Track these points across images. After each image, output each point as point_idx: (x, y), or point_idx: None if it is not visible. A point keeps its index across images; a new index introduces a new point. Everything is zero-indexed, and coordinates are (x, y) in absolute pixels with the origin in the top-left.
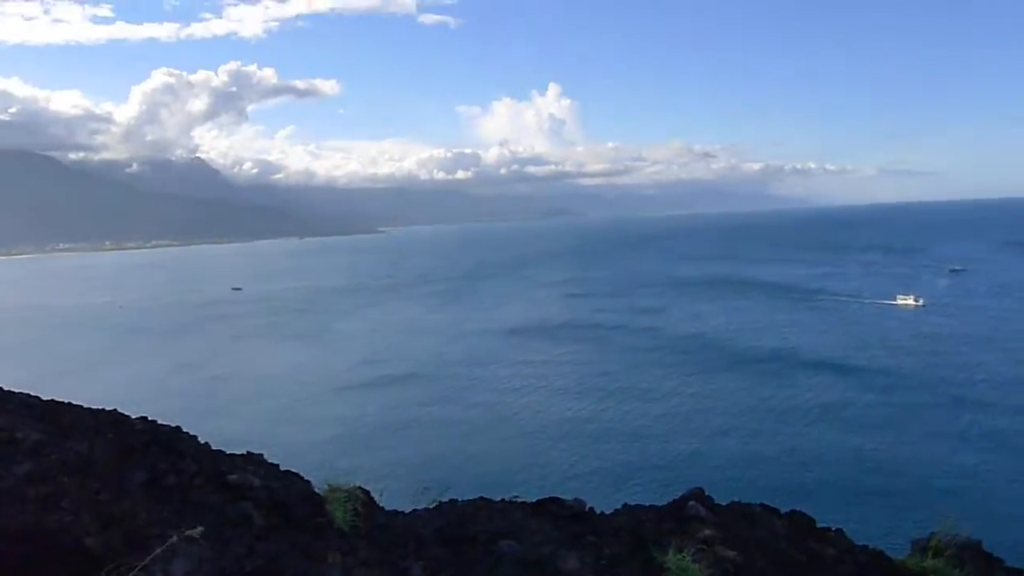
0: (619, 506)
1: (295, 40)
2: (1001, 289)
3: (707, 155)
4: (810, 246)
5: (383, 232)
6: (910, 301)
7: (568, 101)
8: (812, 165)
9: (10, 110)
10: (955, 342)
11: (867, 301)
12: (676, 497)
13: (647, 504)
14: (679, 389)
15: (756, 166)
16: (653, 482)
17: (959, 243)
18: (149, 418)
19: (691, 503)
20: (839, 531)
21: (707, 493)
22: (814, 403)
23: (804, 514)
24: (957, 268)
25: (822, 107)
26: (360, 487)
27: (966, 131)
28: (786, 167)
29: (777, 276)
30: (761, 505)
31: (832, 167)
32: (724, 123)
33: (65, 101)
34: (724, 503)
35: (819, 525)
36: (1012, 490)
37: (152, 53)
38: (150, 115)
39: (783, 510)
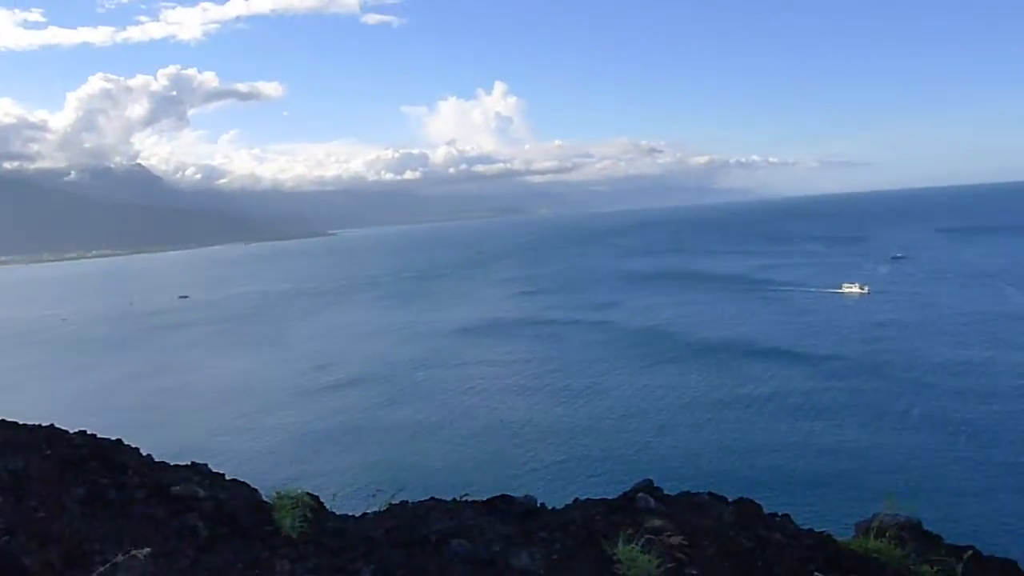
0: (570, 501)
1: (236, 42)
2: (940, 274)
3: (653, 150)
4: (756, 237)
5: (332, 235)
6: (855, 289)
7: (514, 99)
8: (756, 158)
9: None
10: (899, 327)
11: (813, 290)
12: (626, 490)
13: (597, 498)
14: (630, 383)
15: (702, 160)
16: (604, 476)
17: (898, 231)
18: (88, 432)
19: (640, 495)
20: (786, 516)
21: (656, 485)
22: (763, 392)
23: (752, 501)
24: (898, 255)
25: (765, 102)
26: (309, 493)
27: (902, 124)
28: (731, 160)
29: (725, 268)
30: (709, 494)
31: (775, 160)
32: (670, 118)
33: None
34: (673, 494)
35: (766, 511)
36: (950, 470)
37: (87, 58)
38: (87, 122)
39: (731, 498)
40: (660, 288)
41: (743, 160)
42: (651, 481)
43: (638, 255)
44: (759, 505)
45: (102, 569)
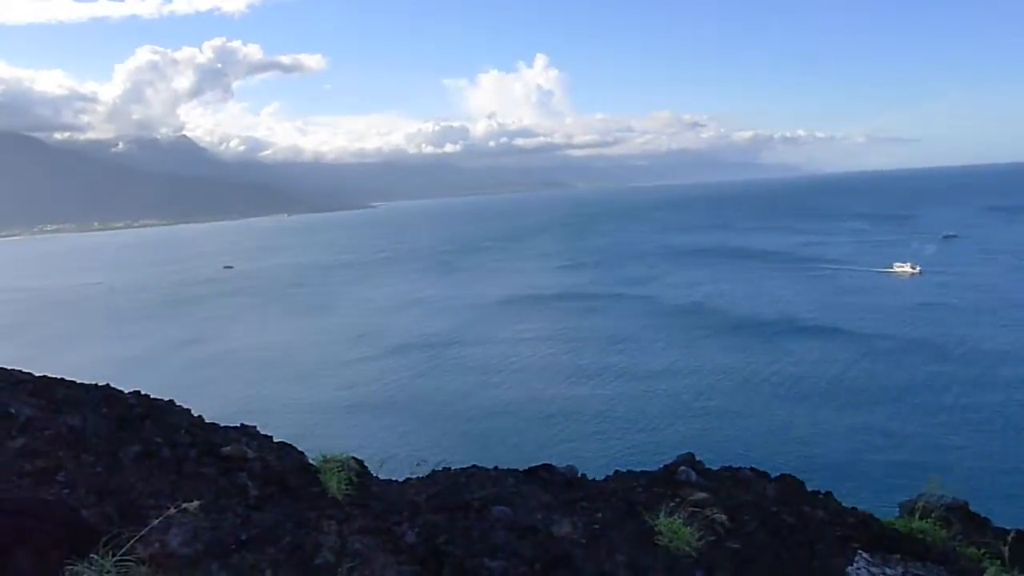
0: (611, 472)
1: (279, 14)
2: (993, 254)
3: (696, 124)
4: (802, 214)
5: (373, 207)
6: (907, 268)
7: (555, 72)
8: (802, 133)
9: None
10: (953, 310)
11: (863, 269)
12: (667, 463)
13: (639, 470)
14: (671, 357)
15: (746, 135)
16: (645, 449)
17: (948, 209)
18: (142, 392)
19: (682, 468)
20: (828, 494)
21: (698, 459)
22: (809, 371)
23: (794, 478)
24: (950, 234)
25: (810, 75)
26: (354, 457)
27: (955, 99)
28: (775, 135)
29: (770, 244)
30: (751, 469)
31: (821, 135)
32: (713, 92)
33: (50, 81)
34: (715, 468)
35: (809, 489)
36: (999, 455)
37: (135, 30)
38: (135, 93)
39: (773, 474)
40: (702, 264)
41: (788, 135)
42: (693, 455)
43: (679, 231)
44: (801, 482)
45: (155, 522)
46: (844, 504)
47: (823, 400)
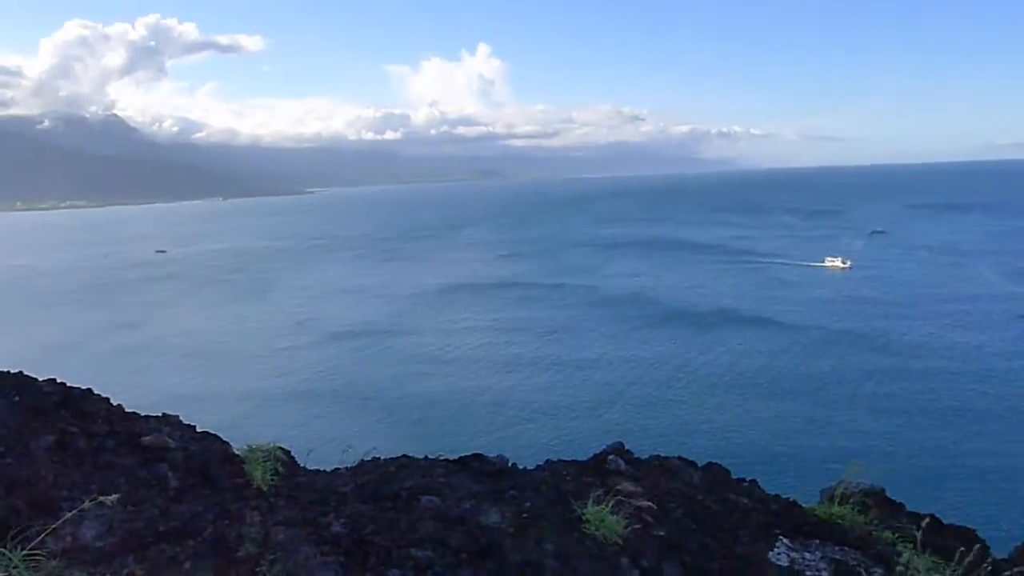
0: (541, 462)
1: None
2: (918, 250)
3: (636, 118)
4: (737, 208)
5: (311, 193)
6: (837, 263)
7: (498, 62)
8: (738, 129)
9: None
10: (879, 303)
11: (796, 263)
12: (597, 452)
13: (569, 459)
14: (606, 348)
15: (684, 129)
16: (576, 439)
17: (875, 206)
18: (58, 380)
19: (611, 457)
20: (753, 482)
21: (627, 448)
22: (741, 362)
23: (720, 466)
24: (878, 230)
25: (747, 73)
26: (280, 447)
27: (884, 101)
28: (712, 131)
29: (705, 237)
30: (679, 458)
31: (757, 131)
32: (653, 87)
33: None
34: (644, 457)
35: (735, 477)
36: (917, 443)
37: (63, 3)
38: (63, 69)
39: (700, 463)
40: (638, 255)
41: (725, 131)
42: (622, 444)
43: (617, 222)
44: (727, 470)
45: (69, 515)
46: (768, 491)
47: (752, 389)
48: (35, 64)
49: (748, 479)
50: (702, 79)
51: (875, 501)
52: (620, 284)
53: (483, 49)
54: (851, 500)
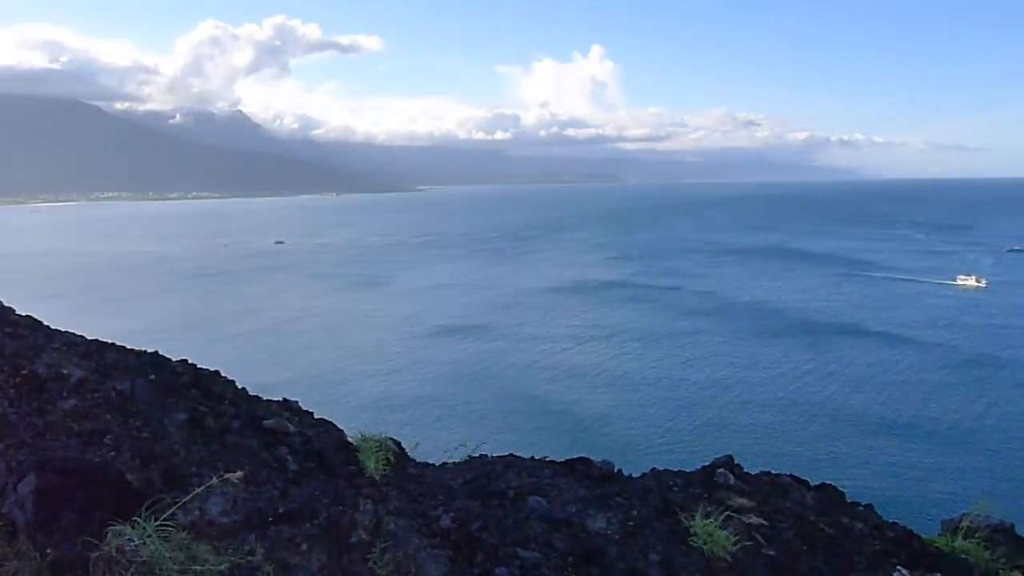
0: (647, 470)
1: None
2: None
3: (751, 123)
4: (857, 220)
5: (421, 190)
6: (971, 281)
7: (611, 64)
8: (859, 137)
9: (61, 59)
10: (1020, 329)
11: (923, 280)
12: (705, 464)
13: (676, 469)
14: (719, 355)
15: (801, 135)
16: (683, 448)
17: (1012, 221)
18: (189, 361)
19: (720, 470)
20: (869, 507)
21: (737, 462)
22: (861, 382)
23: (834, 488)
24: (1016, 248)
25: (870, 79)
26: (392, 438)
27: (1018, 108)
28: (832, 138)
29: (823, 248)
30: (791, 476)
31: (880, 139)
32: (769, 91)
33: (114, 52)
34: (754, 472)
35: (849, 500)
36: None
37: (198, 4)
38: (195, 67)
39: (813, 482)
40: (752, 264)
41: (845, 138)
42: (731, 457)
43: (730, 229)
44: (842, 492)
45: (198, 490)
46: (884, 518)
47: (870, 410)
48: (171, 62)
49: (863, 503)
50: (822, 84)
51: (1003, 537)
52: (732, 292)
53: (596, 51)
54: (977, 535)
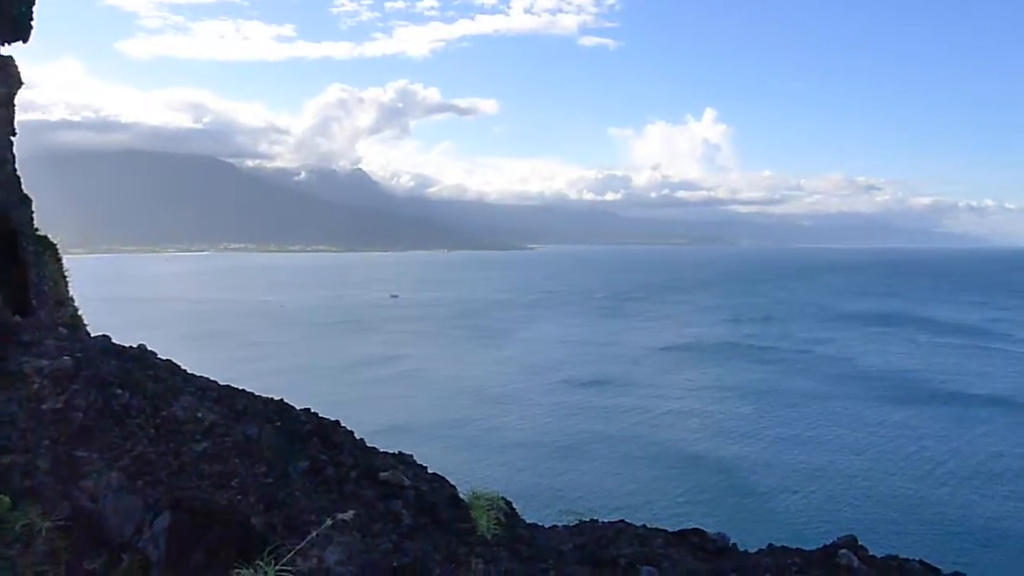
0: (763, 545)
1: (458, 60)
2: None
3: (871, 187)
4: (990, 288)
5: (531, 249)
6: None
7: (723, 126)
8: (989, 203)
9: (204, 120)
10: None
11: None
12: (826, 543)
13: (794, 547)
14: (837, 426)
15: (925, 201)
16: (802, 521)
17: None
18: (311, 410)
19: (843, 551)
20: None
21: (860, 542)
22: (1002, 460)
23: None
24: None
25: (1000, 143)
26: (503, 497)
27: None
28: (960, 203)
29: (953, 317)
30: (920, 562)
31: (1012, 206)
32: (888, 157)
33: (250, 113)
34: (879, 555)
35: None
36: None
37: (327, 70)
38: (322, 127)
39: (945, 571)
40: (876, 331)
41: (974, 204)
42: (855, 537)
43: (850, 295)
44: None
45: (313, 535)
46: None
47: (1013, 496)
48: (299, 122)
49: None
50: (948, 148)
51: None
52: (852, 358)
53: (709, 113)
54: None
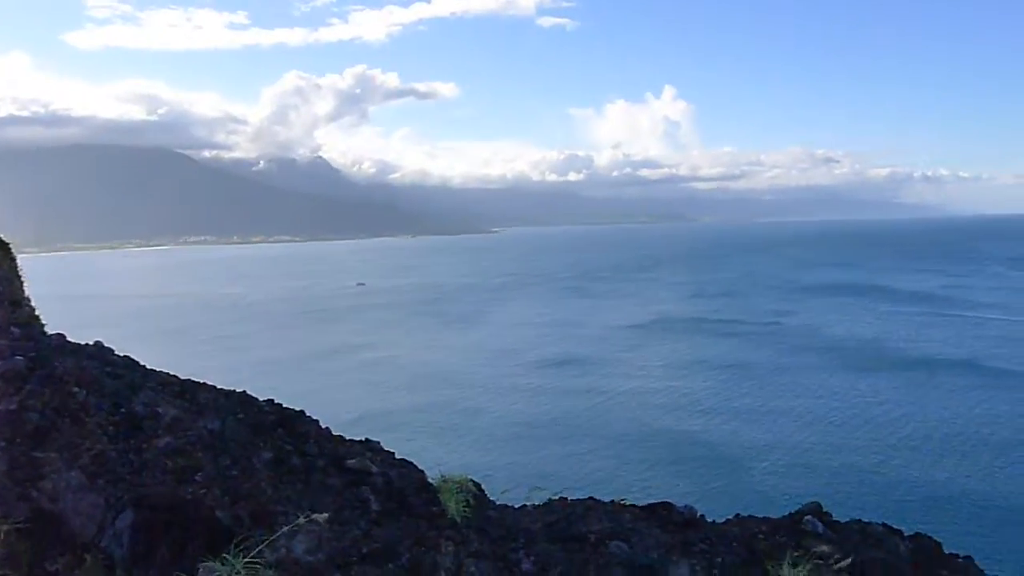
0: (730, 515)
1: (416, 43)
2: None
3: (830, 160)
4: (945, 256)
5: (495, 232)
6: None
7: (683, 104)
8: (944, 172)
9: (158, 111)
10: None
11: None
12: (792, 510)
13: (760, 515)
14: (804, 394)
15: (882, 172)
16: (767, 493)
17: None
18: (275, 401)
19: (808, 517)
20: (968, 559)
21: (825, 509)
22: (961, 424)
23: (930, 538)
24: None
25: (953, 112)
26: (472, 480)
27: None
28: (915, 174)
29: (910, 286)
30: (883, 525)
31: (966, 174)
32: (847, 128)
33: (206, 103)
34: (843, 520)
35: (947, 551)
36: None
37: (283, 57)
38: (279, 116)
39: (907, 532)
40: (836, 301)
41: (929, 174)
42: (819, 504)
43: (810, 267)
44: (938, 543)
45: (285, 529)
46: (985, 572)
47: (973, 457)
48: (257, 111)
49: (963, 555)
50: (903, 119)
51: None
52: (815, 330)
53: (668, 91)
54: None
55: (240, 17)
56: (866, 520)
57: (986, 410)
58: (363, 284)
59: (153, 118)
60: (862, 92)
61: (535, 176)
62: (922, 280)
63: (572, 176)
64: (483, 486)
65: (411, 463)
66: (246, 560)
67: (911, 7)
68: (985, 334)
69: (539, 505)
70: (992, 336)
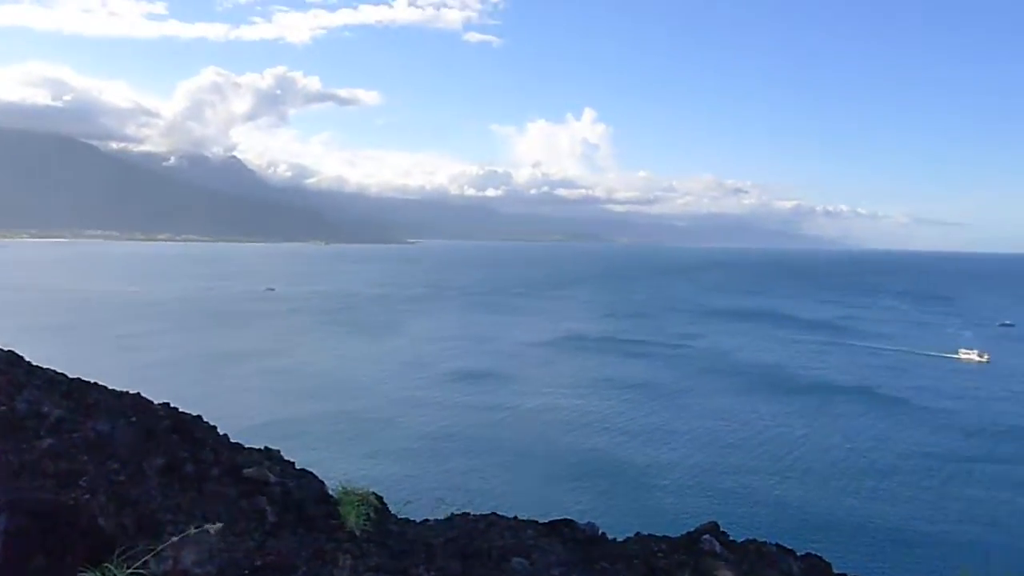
0: (631, 533)
1: (341, 49)
2: None
3: (739, 190)
4: (843, 287)
5: (410, 243)
6: (973, 356)
7: (603, 126)
8: (844, 208)
9: (64, 97)
10: None
11: (925, 353)
12: (690, 529)
13: (660, 534)
14: (707, 416)
15: (788, 204)
16: (667, 512)
17: (992, 295)
18: (171, 405)
19: (705, 537)
20: None
21: (722, 528)
22: (852, 444)
23: (820, 558)
24: (1007, 323)
25: (856, 151)
26: (374, 492)
27: (1005, 187)
28: (817, 208)
29: (814, 314)
30: (777, 545)
31: (864, 211)
32: (756, 161)
33: (116, 93)
34: (739, 540)
35: (836, 572)
36: None
37: (201, 52)
38: (194, 111)
39: (800, 552)
40: (742, 326)
41: (830, 209)
42: (717, 524)
43: (718, 292)
44: (828, 563)
45: (174, 539)
46: None
47: (866, 475)
48: (170, 105)
49: (852, 575)
50: (809, 155)
51: None
52: (721, 352)
53: (589, 113)
54: None
55: (159, 7)
56: (761, 540)
57: (874, 435)
58: (273, 289)
59: (58, 104)
60: (772, 127)
61: (454, 189)
62: (821, 309)
63: (491, 192)
64: (385, 499)
65: (312, 473)
66: (129, 571)
67: (822, 51)
68: (876, 363)
69: (441, 520)
70: (882, 365)
